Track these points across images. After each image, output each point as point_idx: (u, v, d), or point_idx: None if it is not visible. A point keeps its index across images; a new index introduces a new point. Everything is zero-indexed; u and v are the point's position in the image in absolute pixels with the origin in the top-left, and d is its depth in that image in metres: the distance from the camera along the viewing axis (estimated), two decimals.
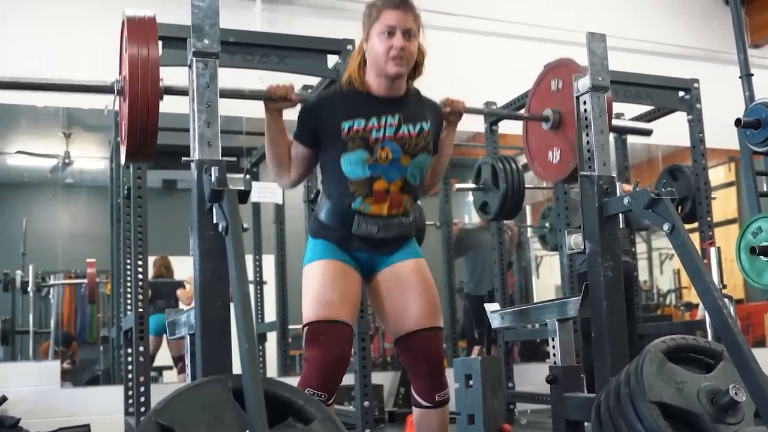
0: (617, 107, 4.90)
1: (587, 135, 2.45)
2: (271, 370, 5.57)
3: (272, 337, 5.60)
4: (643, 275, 7.39)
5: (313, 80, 4.08)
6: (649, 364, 1.98)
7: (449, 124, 2.49)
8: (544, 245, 6.76)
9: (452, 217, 6.19)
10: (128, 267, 4.34)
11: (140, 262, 3.95)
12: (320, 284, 2.26)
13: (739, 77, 3.24)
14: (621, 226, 2.39)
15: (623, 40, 5.88)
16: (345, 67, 2.47)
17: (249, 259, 5.65)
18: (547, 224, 6.44)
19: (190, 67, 2.05)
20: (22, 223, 5.47)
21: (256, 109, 4.26)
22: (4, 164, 5.76)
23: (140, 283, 3.92)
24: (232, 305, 1.86)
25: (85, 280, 5.47)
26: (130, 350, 4.21)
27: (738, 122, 2.96)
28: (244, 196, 1.93)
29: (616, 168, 5.38)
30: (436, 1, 5.32)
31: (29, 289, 5.39)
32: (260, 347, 5.50)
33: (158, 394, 2.16)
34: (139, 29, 2.04)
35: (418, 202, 2.44)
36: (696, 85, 4.78)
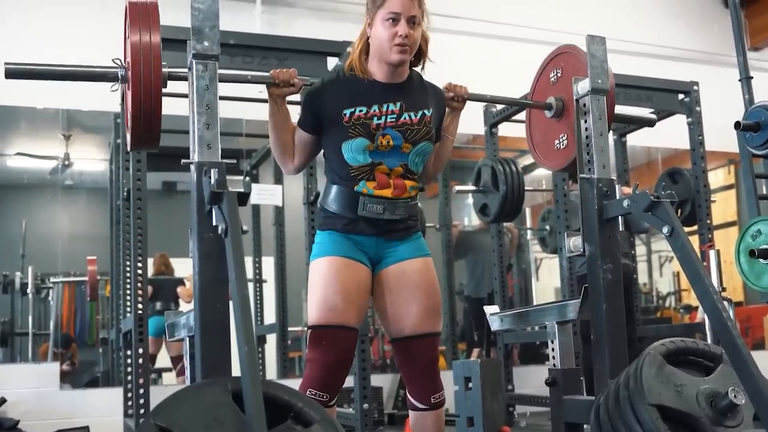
0: (617, 109, 4.89)
1: (587, 138, 2.45)
2: (271, 372, 5.56)
3: (272, 340, 5.59)
4: (642, 278, 7.40)
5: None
6: (649, 366, 1.98)
7: (452, 110, 2.46)
8: (543, 248, 6.76)
9: (452, 220, 6.20)
10: (128, 269, 4.32)
11: (140, 264, 3.94)
12: (325, 285, 2.25)
13: (739, 80, 3.23)
14: (620, 229, 2.39)
15: (623, 43, 5.89)
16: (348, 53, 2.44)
17: (249, 261, 5.64)
18: (546, 227, 6.44)
19: (190, 69, 2.05)
20: (21, 225, 5.48)
21: (255, 112, 4.32)
22: (4, 166, 5.76)
23: (140, 285, 3.91)
24: (231, 307, 1.86)
25: (86, 278, 5.47)
26: (129, 352, 4.20)
27: (737, 125, 2.96)
28: (243, 198, 1.92)
29: (615, 170, 5.38)
30: (437, 4, 5.30)
31: (29, 290, 5.39)
32: (260, 349, 5.50)
33: (157, 396, 2.16)
34: (141, 14, 2.04)
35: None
36: (696, 87, 4.79)
